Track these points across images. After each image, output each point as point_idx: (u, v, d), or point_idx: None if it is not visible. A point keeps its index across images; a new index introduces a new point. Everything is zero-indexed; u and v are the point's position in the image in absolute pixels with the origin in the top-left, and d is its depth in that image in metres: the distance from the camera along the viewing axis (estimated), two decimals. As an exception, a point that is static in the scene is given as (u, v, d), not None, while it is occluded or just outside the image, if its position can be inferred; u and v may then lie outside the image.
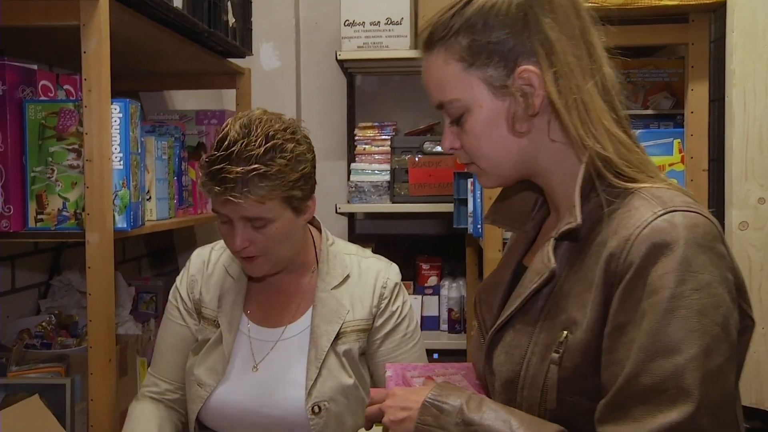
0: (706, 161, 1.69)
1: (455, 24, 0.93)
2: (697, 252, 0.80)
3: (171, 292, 1.51)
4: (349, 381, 1.36)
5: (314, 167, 1.36)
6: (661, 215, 0.83)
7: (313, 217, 1.46)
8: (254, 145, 1.25)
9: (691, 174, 1.69)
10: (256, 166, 1.23)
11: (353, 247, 1.50)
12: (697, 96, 1.68)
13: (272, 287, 1.45)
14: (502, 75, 0.91)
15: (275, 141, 1.26)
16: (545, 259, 0.91)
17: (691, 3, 1.56)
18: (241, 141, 1.25)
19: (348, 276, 1.43)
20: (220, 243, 1.50)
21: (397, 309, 1.44)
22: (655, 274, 0.80)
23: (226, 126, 1.29)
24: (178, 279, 1.51)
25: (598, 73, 0.91)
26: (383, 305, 1.42)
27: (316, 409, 1.33)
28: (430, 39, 0.95)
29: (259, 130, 1.26)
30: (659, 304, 0.79)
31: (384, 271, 1.45)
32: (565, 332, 0.87)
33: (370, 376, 1.46)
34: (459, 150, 0.99)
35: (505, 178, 0.99)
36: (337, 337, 1.37)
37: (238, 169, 1.23)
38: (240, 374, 1.38)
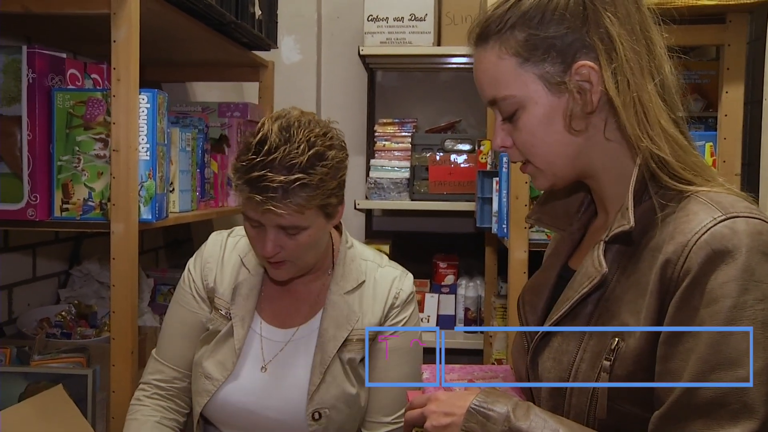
0: (739, 165, 1.66)
1: (511, 18, 0.90)
2: (761, 260, 0.78)
3: (183, 274, 1.45)
4: (353, 390, 1.34)
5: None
6: (721, 221, 0.80)
7: None
8: (297, 152, 1.19)
9: (724, 178, 1.66)
10: (299, 175, 1.18)
11: (371, 253, 1.46)
12: (732, 98, 1.64)
13: (287, 287, 1.42)
14: (559, 71, 0.89)
15: (317, 149, 1.21)
16: (596, 263, 0.88)
17: (730, 3, 1.52)
18: (283, 147, 1.19)
19: (363, 282, 1.39)
20: (237, 230, 1.46)
21: (404, 319, 1.41)
22: (714, 282, 0.78)
23: (262, 126, 1.23)
24: (190, 262, 1.45)
25: (658, 71, 0.88)
26: (393, 314, 1.39)
27: (317, 416, 1.31)
28: (484, 33, 0.92)
29: (300, 135, 1.21)
30: (720, 314, 0.77)
31: (398, 281, 1.41)
32: (617, 339, 0.84)
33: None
34: (511, 148, 0.96)
35: (560, 178, 0.95)
36: (344, 344, 1.34)
37: (281, 177, 1.18)
38: (249, 373, 1.36)
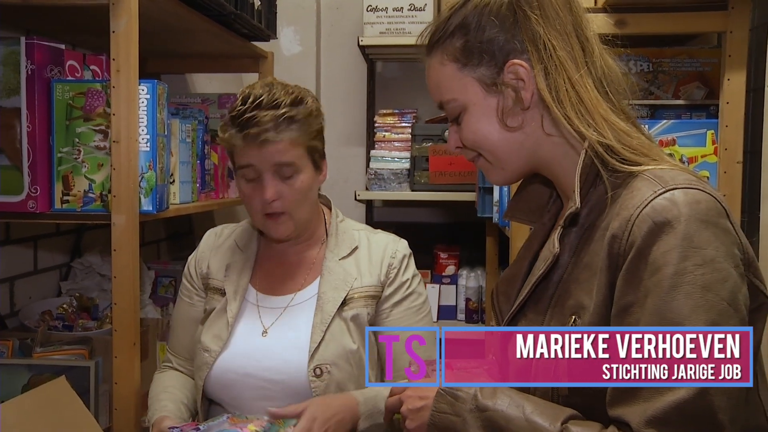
0: (740, 153, 1.65)
1: (451, 25, 0.96)
2: (699, 228, 0.81)
3: (184, 271, 1.54)
4: (353, 346, 1.36)
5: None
6: (661, 193, 0.83)
7: (324, 196, 1.52)
8: (279, 95, 1.34)
9: (725, 166, 1.65)
10: (285, 110, 1.33)
11: (362, 225, 1.54)
12: (734, 86, 1.64)
13: (281, 258, 1.47)
14: (493, 72, 0.95)
15: (296, 95, 1.36)
16: (551, 246, 0.93)
17: (732, -11, 1.52)
18: (266, 94, 1.33)
19: (356, 248, 1.45)
20: (232, 224, 1.55)
21: (407, 280, 1.45)
22: (657, 252, 0.81)
23: (244, 90, 1.37)
24: (190, 257, 1.53)
25: (592, 65, 0.93)
26: (392, 274, 1.44)
27: (318, 372, 1.33)
28: (430, 42, 0.99)
29: (278, 86, 1.37)
30: (662, 282, 0.80)
31: (393, 243, 1.47)
32: (574, 317, 0.88)
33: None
34: (462, 148, 1.01)
35: (511, 173, 1.00)
36: (344, 303, 1.39)
37: (270, 113, 1.31)
38: (247, 340, 1.39)
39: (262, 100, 1.32)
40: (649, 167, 0.88)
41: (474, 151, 1.00)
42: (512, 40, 0.93)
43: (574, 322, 0.88)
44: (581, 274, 0.90)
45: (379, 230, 1.53)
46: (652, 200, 0.83)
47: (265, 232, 1.42)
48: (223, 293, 1.43)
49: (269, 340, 1.38)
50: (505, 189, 1.82)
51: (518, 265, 1.07)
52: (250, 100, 1.33)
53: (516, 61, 0.93)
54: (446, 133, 2.66)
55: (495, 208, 1.95)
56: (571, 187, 0.94)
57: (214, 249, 1.50)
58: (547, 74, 0.91)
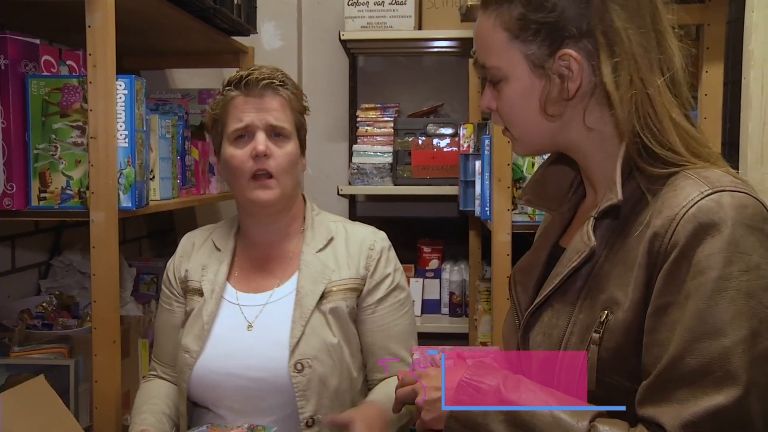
0: (719, 145, 1.67)
1: None
2: (745, 233, 0.79)
3: (163, 277, 1.54)
4: (333, 340, 1.37)
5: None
6: (708, 195, 0.81)
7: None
8: (267, 68, 1.42)
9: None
10: (279, 73, 1.42)
11: (338, 217, 1.54)
12: (712, 78, 1.65)
13: (258, 255, 1.47)
14: (544, 54, 0.90)
15: (282, 72, 1.44)
16: (585, 237, 0.89)
17: (709, -18, 1.53)
18: (255, 68, 1.41)
19: (332, 239, 1.45)
20: (210, 226, 1.56)
21: (389, 274, 1.45)
22: (701, 254, 0.79)
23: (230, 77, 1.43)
24: (168, 263, 1.54)
25: (668, 65, 0.88)
26: (372, 266, 1.44)
27: (299, 366, 1.33)
28: None
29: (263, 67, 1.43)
30: (705, 285, 0.78)
31: (371, 235, 1.48)
32: (606, 312, 0.85)
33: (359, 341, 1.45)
34: (494, 112, 0.98)
35: (537, 150, 0.99)
36: (323, 296, 1.39)
37: (267, 71, 1.40)
38: (227, 339, 1.39)
39: (257, 66, 1.41)
40: (695, 166, 0.85)
41: (504, 121, 0.97)
42: (574, 25, 0.87)
43: (606, 317, 0.85)
44: (615, 269, 0.87)
45: (357, 222, 1.53)
46: (698, 201, 0.80)
47: (252, 198, 1.39)
48: (201, 293, 1.43)
49: (251, 338, 1.38)
50: (487, 183, 1.82)
51: (536, 255, 1.05)
52: (240, 73, 1.40)
53: (570, 51, 0.87)
54: (428, 127, 2.67)
55: (477, 202, 1.95)
56: (603, 177, 0.92)
57: (191, 252, 1.51)
58: (616, 71, 0.86)
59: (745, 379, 0.75)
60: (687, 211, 0.81)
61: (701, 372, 0.77)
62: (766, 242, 0.80)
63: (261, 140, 1.37)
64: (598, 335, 0.85)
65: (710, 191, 0.81)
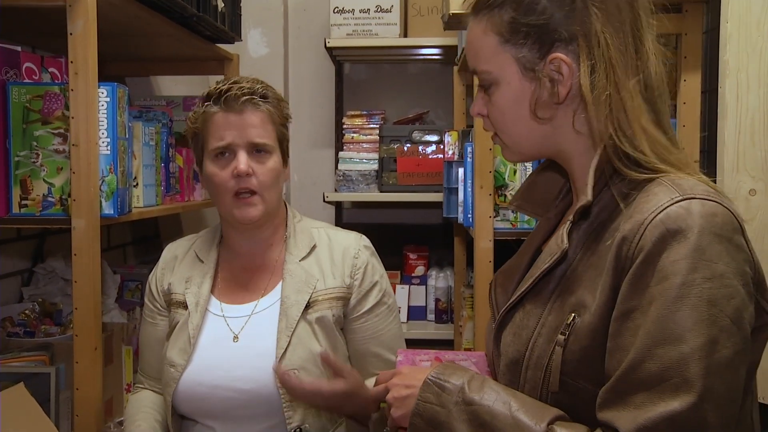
0: (697, 152, 1.69)
1: None
2: (713, 241, 0.79)
3: (146, 290, 1.53)
4: (320, 349, 1.35)
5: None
6: (677, 201, 0.81)
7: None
8: (247, 81, 1.39)
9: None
10: (260, 86, 1.39)
11: (321, 223, 1.53)
12: (690, 87, 1.68)
13: (242, 265, 1.46)
14: (535, 58, 0.91)
15: (262, 83, 1.42)
16: (559, 240, 0.90)
17: (686, -7, 1.55)
18: (234, 82, 1.38)
19: (315, 246, 1.45)
20: (191, 236, 1.55)
21: (377, 282, 1.45)
22: (666, 260, 0.79)
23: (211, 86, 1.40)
24: (150, 275, 1.52)
25: (643, 69, 0.89)
26: (360, 275, 1.43)
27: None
28: (477, 4, 0.95)
29: (245, 78, 1.41)
30: (669, 291, 0.78)
31: (355, 242, 1.47)
32: (573, 315, 0.86)
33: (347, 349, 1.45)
34: (485, 118, 0.99)
35: (527, 156, 0.99)
36: (308, 306, 1.38)
37: (247, 85, 1.37)
38: (213, 351, 1.37)
39: (236, 80, 1.38)
40: (669, 174, 0.86)
41: (494, 128, 0.98)
42: (562, 29, 0.89)
43: (573, 319, 0.86)
44: (586, 273, 0.88)
45: (338, 228, 1.53)
46: (667, 207, 0.81)
47: (235, 215, 1.38)
48: (185, 306, 1.42)
49: (237, 349, 1.37)
50: (470, 190, 1.83)
51: (519, 259, 1.06)
52: (224, 82, 1.38)
53: (560, 55, 0.89)
54: (414, 134, 2.69)
55: (460, 209, 1.96)
56: (584, 183, 0.92)
57: (173, 264, 1.49)
58: (593, 72, 0.87)
59: (700, 387, 0.75)
60: (655, 216, 0.81)
61: (659, 377, 0.77)
62: (733, 252, 0.80)
63: (243, 160, 1.35)
64: (563, 337, 0.86)
65: (680, 198, 0.81)
